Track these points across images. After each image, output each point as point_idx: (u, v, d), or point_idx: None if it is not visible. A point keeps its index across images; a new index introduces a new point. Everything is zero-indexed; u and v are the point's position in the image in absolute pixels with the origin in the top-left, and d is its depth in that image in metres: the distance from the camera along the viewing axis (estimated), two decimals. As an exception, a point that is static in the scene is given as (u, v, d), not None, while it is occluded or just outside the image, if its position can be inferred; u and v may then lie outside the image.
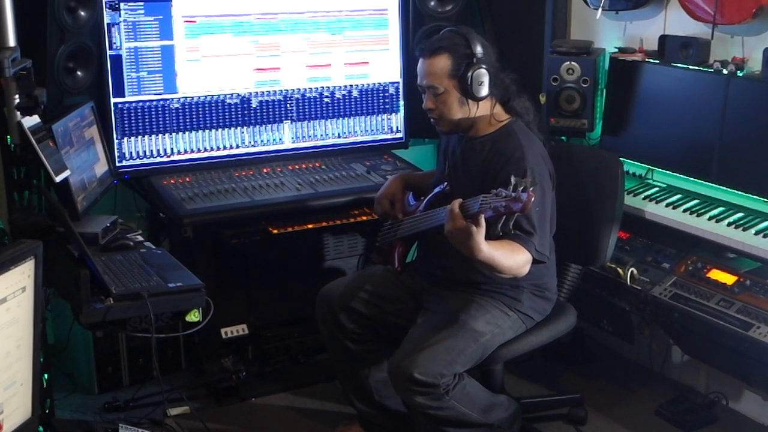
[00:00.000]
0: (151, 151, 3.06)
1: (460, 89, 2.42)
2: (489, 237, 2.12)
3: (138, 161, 3.05)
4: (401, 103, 3.43)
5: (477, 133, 2.50)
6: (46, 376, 2.53)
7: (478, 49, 2.43)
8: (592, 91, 3.16)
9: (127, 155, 3.03)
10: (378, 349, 2.70)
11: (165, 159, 3.09)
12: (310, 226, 2.96)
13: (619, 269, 2.88)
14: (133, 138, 3.03)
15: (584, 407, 2.96)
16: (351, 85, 3.35)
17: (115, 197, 3.11)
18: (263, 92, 3.21)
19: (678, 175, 3.04)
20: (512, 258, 2.25)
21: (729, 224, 2.75)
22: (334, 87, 3.32)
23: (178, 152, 3.11)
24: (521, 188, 1.99)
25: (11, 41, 2.34)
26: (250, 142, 3.21)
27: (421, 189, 2.73)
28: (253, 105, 3.20)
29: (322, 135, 3.33)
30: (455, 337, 2.40)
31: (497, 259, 2.19)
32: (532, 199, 1.99)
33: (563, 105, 3.17)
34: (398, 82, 3.42)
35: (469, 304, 2.47)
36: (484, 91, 2.42)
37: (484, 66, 2.41)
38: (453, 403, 2.38)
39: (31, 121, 2.30)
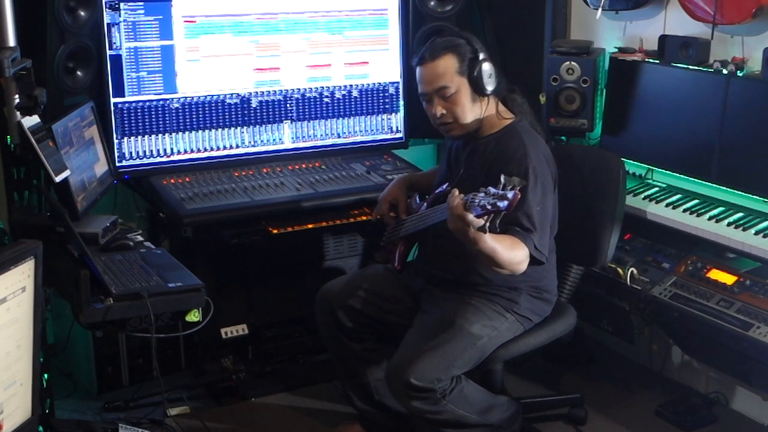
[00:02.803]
0: (151, 151, 3.06)
1: (471, 86, 2.42)
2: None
3: (138, 161, 3.05)
4: (401, 103, 3.43)
5: (481, 134, 2.50)
6: (46, 376, 2.53)
7: (479, 45, 2.45)
8: (592, 91, 3.15)
9: (127, 155, 3.03)
10: (377, 348, 2.70)
11: (165, 159, 3.09)
12: (310, 226, 2.96)
13: (619, 269, 2.87)
14: (133, 138, 3.03)
15: (584, 407, 2.96)
16: (351, 85, 3.35)
17: (115, 197, 3.11)
18: (263, 92, 3.21)
19: (678, 175, 3.04)
20: (512, 252, 2.23)
21: (729, 224, 2.74)
22: (334, 87, 3.32)
23: (178, 152, 3.11)
24: (509, 187, 2.00)
25: (11, 41, 2.34)
26: (250, 142, 3.21)
27: (426, 190, 2.73)
28: (253, 105, 3.19)
29: (322, 135, 3.33)
30: (452, 341, 2.39)
31: (498, 251, 2.17)
32: (518, 197, 1.99)
33: (563, 105, 3.17)
34: (398, 82, 3.42)
35: (465, 307, 2.47)
36: (493, 84, 2.42)
37: (488, 60, 2.43)
38: (450, 406, 2.38)
39: (31, 121, 2.30)
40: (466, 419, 2.42)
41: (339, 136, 3.36)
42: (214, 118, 3.14)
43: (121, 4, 2.93)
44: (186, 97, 3.09)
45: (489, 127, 2.49)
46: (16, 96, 2.27)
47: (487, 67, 2.41)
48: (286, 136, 3.27)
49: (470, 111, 2.43)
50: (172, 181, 3.03)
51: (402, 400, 2.40)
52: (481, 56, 2.42)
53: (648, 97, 3.10)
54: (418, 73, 2.47)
